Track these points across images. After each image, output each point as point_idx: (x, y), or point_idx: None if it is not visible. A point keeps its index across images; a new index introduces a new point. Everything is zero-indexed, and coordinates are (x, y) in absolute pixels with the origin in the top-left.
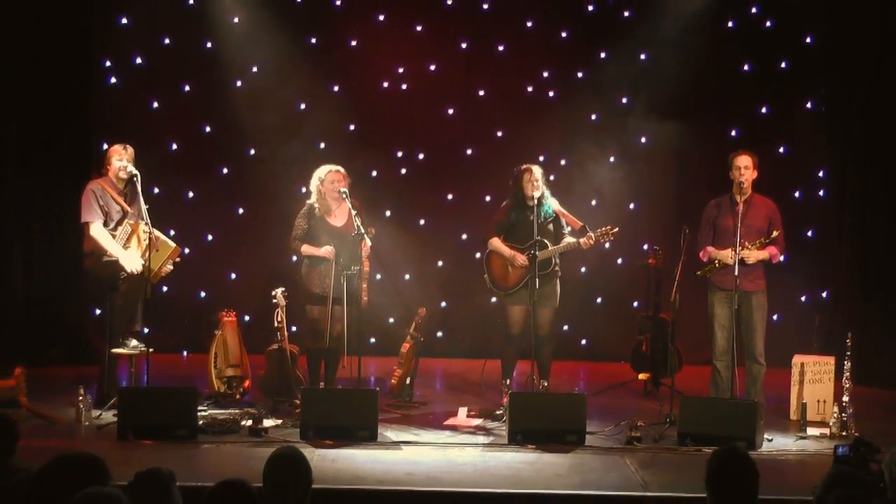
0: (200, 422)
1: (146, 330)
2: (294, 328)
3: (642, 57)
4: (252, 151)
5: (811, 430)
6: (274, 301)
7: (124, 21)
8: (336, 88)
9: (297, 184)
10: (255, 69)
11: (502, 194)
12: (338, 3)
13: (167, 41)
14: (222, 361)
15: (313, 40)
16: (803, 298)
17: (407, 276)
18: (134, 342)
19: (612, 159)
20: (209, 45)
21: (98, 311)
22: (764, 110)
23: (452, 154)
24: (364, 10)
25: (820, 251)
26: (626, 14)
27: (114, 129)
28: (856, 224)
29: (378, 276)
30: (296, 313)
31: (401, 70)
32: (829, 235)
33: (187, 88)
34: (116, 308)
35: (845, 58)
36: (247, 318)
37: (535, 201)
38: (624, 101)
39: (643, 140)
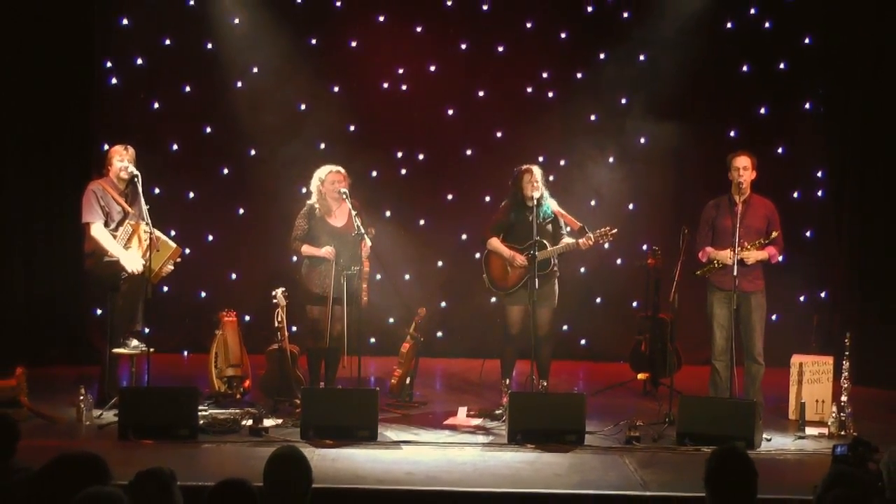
0: (201, 421)
1: (147, 330)
2: (294, 328)
3: (641, 58)
4: (252, 152)
5: (810, 430)
6: (274, 301)
7: (125, 22)
8: (336, 89)
9: (298, 184)
10: (255, 70)
11: (502, 195)
12: (338, 3)
13: (168, 42)
14: (223, 361)
15: (313, 41)
16: (802, 298)
17: (407, 277)
18: (135, 342)
19: (611, 160)
20: (210, 45)
21: (99, 311)
22: (763, 111)
23: (452, 154)
24: (364, 11)
25: (818, 251)
26: (626, 15)
27: (115, 130)
28: (854, 224)
29: (378, 277)
30: (296, 313)
31: (401, 71)
32: (827, 236)
33: (188, 89)
34: (117, 308)
35: (844, 59)
36: (247, 318)
37: (535, 202)
38: (623, 101)
39: (642, 140)
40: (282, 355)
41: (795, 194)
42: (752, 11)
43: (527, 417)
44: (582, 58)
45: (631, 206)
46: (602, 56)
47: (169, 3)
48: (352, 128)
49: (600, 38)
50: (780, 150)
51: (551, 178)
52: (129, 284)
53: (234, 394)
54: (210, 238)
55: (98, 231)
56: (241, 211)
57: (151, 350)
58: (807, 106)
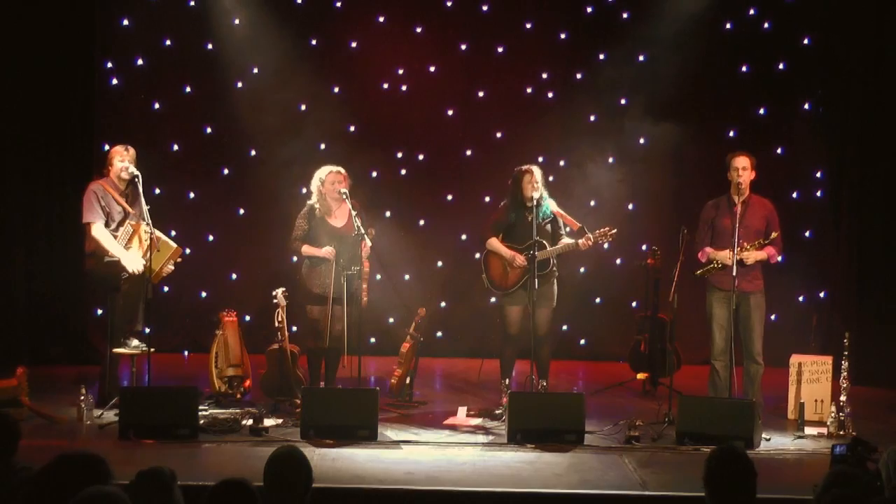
0: (201, 421)
1: (147, 330)
2: (294, 328)
3: (641, 58)
4: (253, 152)
5: (809, 430)
6: (274, 301)
7: (126, 23)
8: (336, 90)
9: (298, 184)
10: (255, 70)
11: (502, 195)
12: (338, 4)
13: (168, 43)
14: (223, 361)
15: (314, 42)
16: (801, 298)
17: (407, 277)
18: (135, 342)
19: (610, 160)
20: (210, 46)
21: (100, 311)
22: (762, 111)
23: (452, 155)
24: (364, 12)
25: (817, 251)
26: (625, 16)
27: (115, 130)
28: (853, 224)
29: (378, 277)
30: (296, 313)
31: (401, 71)
32: (826, 236)
33: (188, 90)
34: (118, 308)
35: (843, 59)
36: (247, 317)
37: (535, 202)
38: (622, 102)
39: (642, 141)
40: (282, 355)
41: (794, 194)
42: (752, 12)
43: (526, 417)
44: (581, 58)
45: (630, 207)
46: (601, 57)
47: (169, 3)
48: (352, 128)
49: (600, 38)
50: (779, 151)
51: (551, 178)
52: (129, 284)
53: (235, 393)
54: (210, 238)
55: (99, 231)
56: (242, 211)
57: (152, 350)
58: (806, 106)
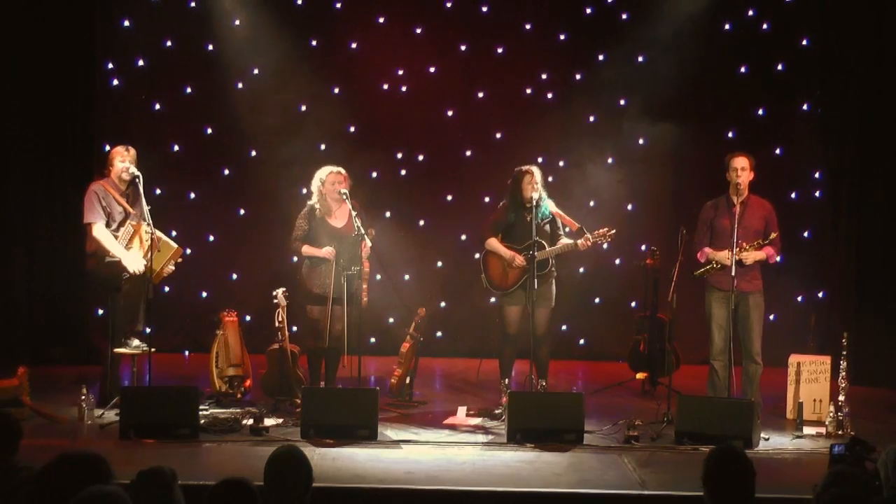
0: (202, 421)
1: (148, 330)
2: (295, 328)
3: (640, 59)
4: (253, 153)
5: (807, 430)
6: (275, 301)
7: (126, 24)
8: (336, 90)
9: (298, 185)
10: (256, 71)
11: (501, 195)
12: (338, 5)
13: (169, 43)
14: (223, 361)
15: (314, 42)
16: (800, 298)
17: (406, 277)
18: (136, 342)
19: (610, 161)
20: (210, 47)
21: (101, 311)
22: (760, 112)
23: (452, 155)
24: (364, 13)
25: (816, 252)
26: (624, 17)
27: (116, 131)
28: (852, 224)
29: (378, 277)
30: (296, 313)
31: (400, 72)
32: (825, 236)
33: (189, 90)
34: (119, 308)
35: (841, 60)
36: (248, 317)
37: (534, 203)
38: (622, 103)
39: (641, 141)
40: (282, 355)
41: (793, 195)
42: (750, 13)
43: (526, 417)
44: (581, 59)
45: (629, 207)
46: (601, 57)
47: (170, 4)
48: (352, 129)
49: (599, 39)
50: (777, 151)
51: (550, 178)
52: (130, 284)
53: (235, 393)
54: (211, 238)
55: (100, 231)
56: (242, 211)
57: (153, 350)
58: (804, 107)
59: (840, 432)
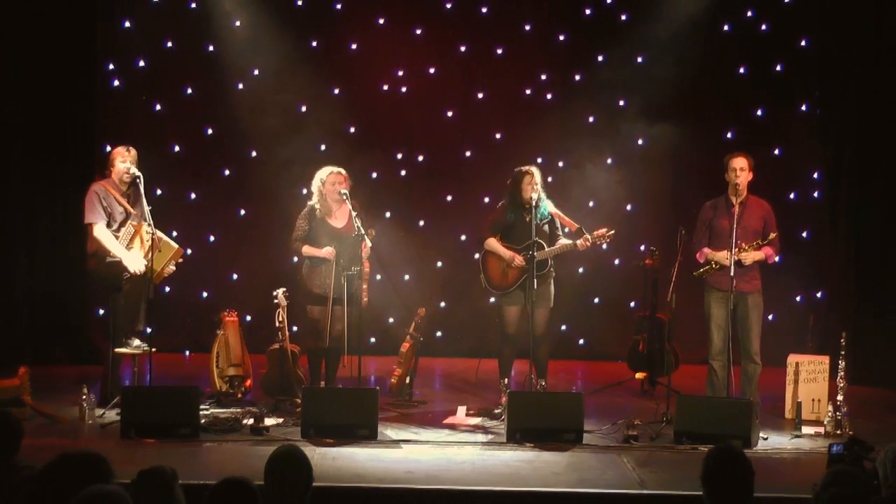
0: (202, 420)
1: (149, 330)
2: (295, 328)
3: (639, 60)
4: (253, 153)
5: (806, 429)
6: (275, 301)
7: (127, 25)
8: (336, 91)
9: (298, 185)
10: (256, 72)
11: (501, 195)
12: (338, 6)
13: (169, 44)
14: (224, 361)
15: (314, 43)
16: (798, 298)
17: (406, 277)
18: (137, 342)
19: (609, 161)
20: (211, 48)
21: (101, 311)
22: (759, 113)
23: (451, 156)
24: (364, 14)
25: (815, 252)
26: (623, 17)
27: (117, 131)
28: (850, 225)
29: (378, 277)
30: (297, 313)
31: (400, 73)
32: (823, 236)
33: (189, 91)
34: (120, 308)
35: (840, 61)
36: (248, 317)
37: (533, 203)
38: (621, 103)
39: (640, 142)
40: (283, 355)
41: (792, 195)
42: (749, 14)
43: (525, 416)
44: (580, 60)
45: (629, 207)
46: (600, 58)
47: (170, 5)
48: (352, 129)
49: (598, 40)
50: (776, 152)
51: (549, 179)
52: (131, 285)
53: (236, 393)
54: (211, 238)
55: (100, 232)
56: (243, 212)
57: (153, 350)
58: (803, 108)
59: (838, 432)
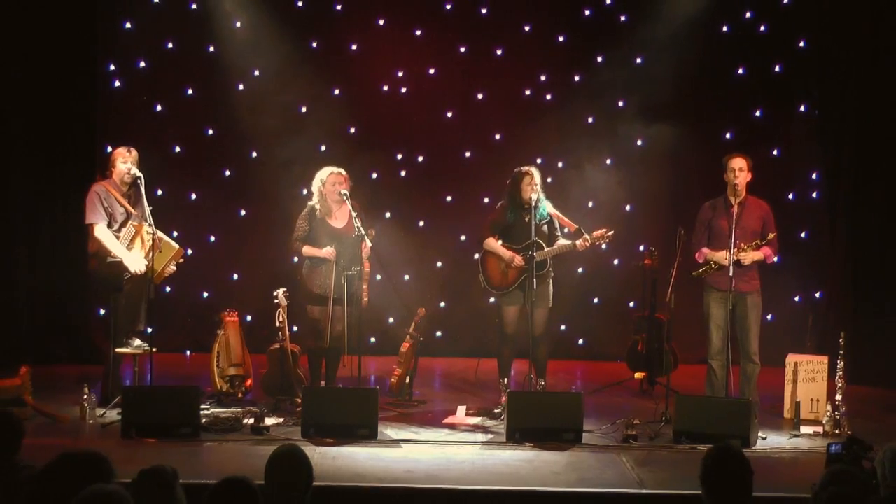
0: (203, 420)
1: (149, 330)
2: (295, 328)
3: (638, 61)
4: (254, 154)
5: (805, 429)
6: (275, 301)
7: (128, 25)
8: (337, 92)
9: (299, 185)
10: (256, 73)
11: (500, 196)
12: (338, 7)
13: (170, 45)
14: (224, 361)
15: (314, 44)
16: (797, 298)
17: (406, 277)
18: (137, 342)
19: (608, 162)
20: (211, 49)
21: (102, 311)
22: (758, 113)
23: (451, 156)
24: (364, 15)
25: (813, 252)
26: (622, 18)
27: (118, 132)
28: (848, 225)
29: (378, 277)
30: (297, 313)
31: (400, 74)
32: (822, 236)
33: (190, 92)
34: (120, 308)
35: (838, 61)
36: (249, 317)
37: (533, 203)
38: (620, 104)
39: (639, 143)
40: (283, 355)
41: (790, 195)
42: (748, 15)
43: (525, 416)
44: (579, 61)
45: (628, 208)
46: (599, 59)
47: (171, 6)
48: (352, 130)
49: (597, 41)
50: (775, 152)
51: (549, 179)
52: (132, 285)
53: (236, 393)
54: (212, 239)
55: (101, 232)
56: (243, 212)
57: (154, 349)
58: (801, 108)
59: (837, 431)
